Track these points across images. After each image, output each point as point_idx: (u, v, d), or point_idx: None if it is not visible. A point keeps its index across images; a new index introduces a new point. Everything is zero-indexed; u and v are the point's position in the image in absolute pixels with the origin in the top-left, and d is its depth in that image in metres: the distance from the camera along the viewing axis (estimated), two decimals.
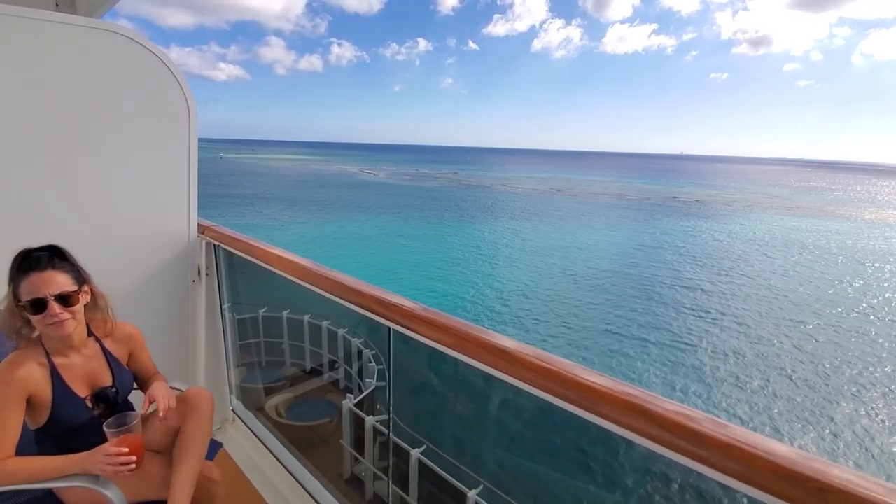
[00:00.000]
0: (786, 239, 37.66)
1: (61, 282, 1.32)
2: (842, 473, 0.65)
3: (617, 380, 0.91)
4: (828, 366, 16.60)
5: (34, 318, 1.29)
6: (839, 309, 22.15)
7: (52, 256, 1.34)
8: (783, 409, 14.07)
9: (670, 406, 0.81)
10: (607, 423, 0.89)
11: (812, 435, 13.04)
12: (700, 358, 16.98)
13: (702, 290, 24.21)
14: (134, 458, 1.29)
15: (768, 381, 15.50)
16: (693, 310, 21.38)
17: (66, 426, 1.36)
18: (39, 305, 1.28)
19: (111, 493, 1.28)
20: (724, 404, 14.26)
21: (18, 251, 1.33)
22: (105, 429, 1.31)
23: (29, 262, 1.31)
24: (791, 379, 15.68)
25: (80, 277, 1.38)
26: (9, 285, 1.30)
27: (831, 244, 36.31)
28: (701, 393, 14.81)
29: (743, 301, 22.80)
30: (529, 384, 1.03)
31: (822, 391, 15.03)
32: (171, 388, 1.74)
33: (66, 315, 1.31)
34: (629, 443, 0.84)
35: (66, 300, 1.31)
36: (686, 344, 18.03)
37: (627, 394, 0.86)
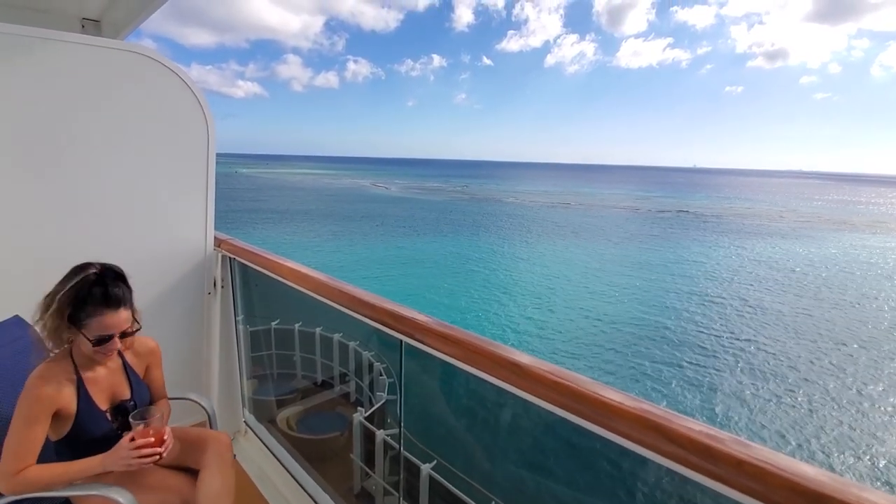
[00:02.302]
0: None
1: (127, 319, 1.37)
2: (860, 492, 0.64)
3: (631, 395, 0.90)
4: None
5: (94, 349, 1.32)
6: None
7: (124, 290, 1.36)
8: None
9: (684, 422, 0.80)
10: (621, 439, 0.88)
11: None
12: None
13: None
14: (159, 448, 1.32)
15: None
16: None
17: (87, 438, 1.39)
18: (106, 340, 1.32)
19: (125, 500, 1.29)
20: None
21: (85, 267, 1.32)
22: (131, 420, 1.35)
23: (103, 297, 1.31)
24: None
25: (134, 308, 1.41)
26: (65, 303, 1.28)
27: None
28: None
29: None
30: (543, 399, 1.03)
31: None
32: (187, 399, 1.77)
33: (119, 347, 1.37)
34: (649, 461, 0.83)
35: (124, 335, 1.37)
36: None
37: (642, 409, 0.86)
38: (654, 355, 17.84)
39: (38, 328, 1.32)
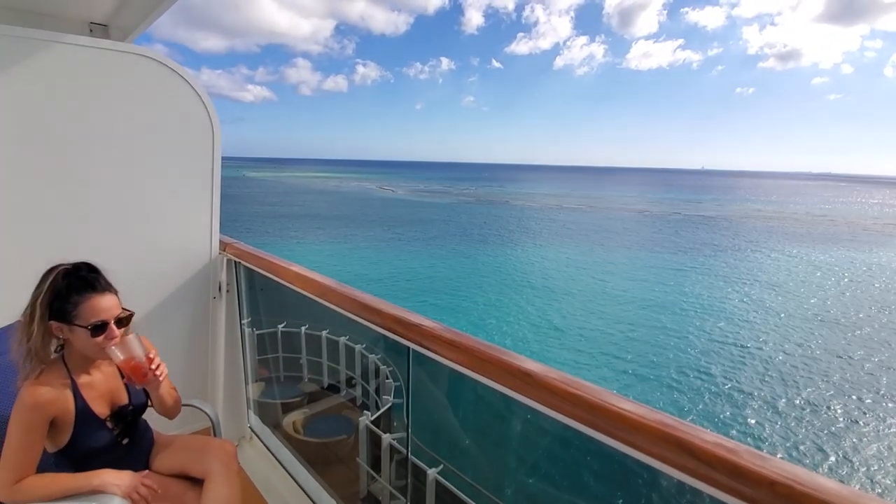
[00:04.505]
0: None
1: (117, 304, 1.34)
2: None
3: (649, 407, 0.86)
4: None
5: (94, 340, 1.29)
6: None
7: (104, 278, 1.35)
8: None
9: (707, 437, 0.76)
10: (638, 454, 0.84)
11: None
12: None
13: None
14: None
15: None
16: None
17: (87, 447, 1.36)
18: (103, 328, 1.29)
19: None
20: None
21: (54, 268, 1.31)
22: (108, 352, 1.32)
23: (84, 282, 1.29)
24: None
25: (118, 295, 1.39)
26: (47, 305, 1.26)
27: None
28: None
29: None
30: (554, 409, 0.99)
31: None
32: (190, 405, 1.74)
33: (119, 337, 1.33)
34: (664, 474, 0.79)
35: (119, 322, 1.34)
36: None
37: (661, 422, 0.81)
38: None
39: (24, 347, 1.27)
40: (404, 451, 2.15)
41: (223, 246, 2.55)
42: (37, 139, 1.98)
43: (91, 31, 2.88)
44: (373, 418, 2.75)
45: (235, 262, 2.57)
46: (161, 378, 1.40)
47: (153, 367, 1.37)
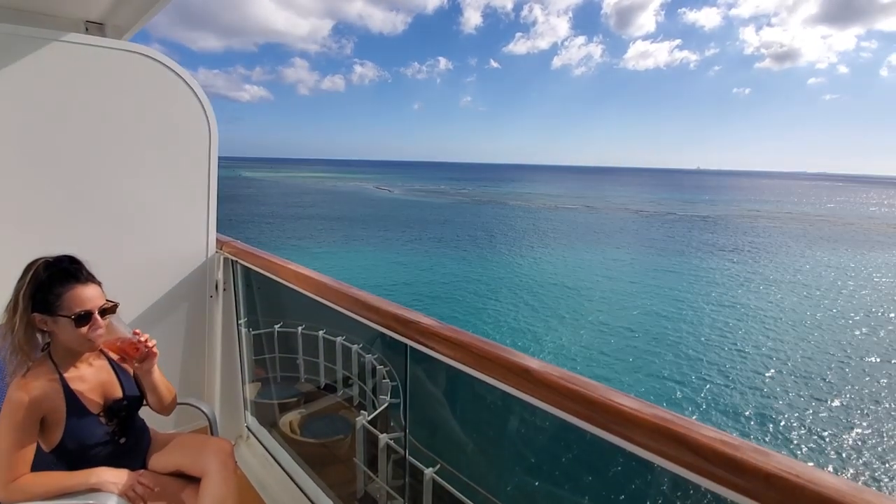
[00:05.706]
0: None
1: (100, 294, 1.34)
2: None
3: (647, 402, 0.87)
4: None
5: (79, 331, 1.28)
6: None
7: (87, 269, 1.35)
8: None
9: (706, 431, 0.77)
10: (637, 449, 0.84)
11: None
12: None
13: None
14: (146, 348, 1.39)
15: None
16: None
17: (81, 444, 1.34)
18: (87, 318, 1.29)
19: None
20: None
21: (35, 261, 1.30)
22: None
23: (66, 273, 1.29)
24: None
25: (101, 287, 1.38)
26: (30, 297, 1.26)
27: None
28: None
29: None
30: (553, 405, 0.99)
31: None
32: (187, 404, 1.73)
33: (104, 328, 1.33)
34: (661, 469, 0.79)
35: (103, 313, 1.33)
36: None
37: (659, 417, 0.82)
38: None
39: (8, 341, 1.25)
40: (401, 450, 2.15)
41: (220, 244, 2.55)
42: (32, 137, 1.98)
43: (87, 29, 2.87)
44: (370, 418, 2.75)
45: (232, 260, 2.56)
46: (153, 348, 1.40)
47: (142, 339, 1.38)
